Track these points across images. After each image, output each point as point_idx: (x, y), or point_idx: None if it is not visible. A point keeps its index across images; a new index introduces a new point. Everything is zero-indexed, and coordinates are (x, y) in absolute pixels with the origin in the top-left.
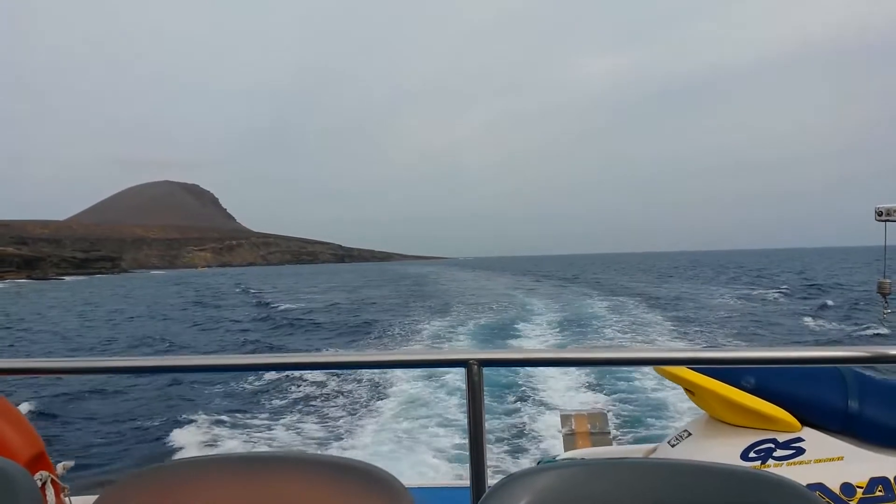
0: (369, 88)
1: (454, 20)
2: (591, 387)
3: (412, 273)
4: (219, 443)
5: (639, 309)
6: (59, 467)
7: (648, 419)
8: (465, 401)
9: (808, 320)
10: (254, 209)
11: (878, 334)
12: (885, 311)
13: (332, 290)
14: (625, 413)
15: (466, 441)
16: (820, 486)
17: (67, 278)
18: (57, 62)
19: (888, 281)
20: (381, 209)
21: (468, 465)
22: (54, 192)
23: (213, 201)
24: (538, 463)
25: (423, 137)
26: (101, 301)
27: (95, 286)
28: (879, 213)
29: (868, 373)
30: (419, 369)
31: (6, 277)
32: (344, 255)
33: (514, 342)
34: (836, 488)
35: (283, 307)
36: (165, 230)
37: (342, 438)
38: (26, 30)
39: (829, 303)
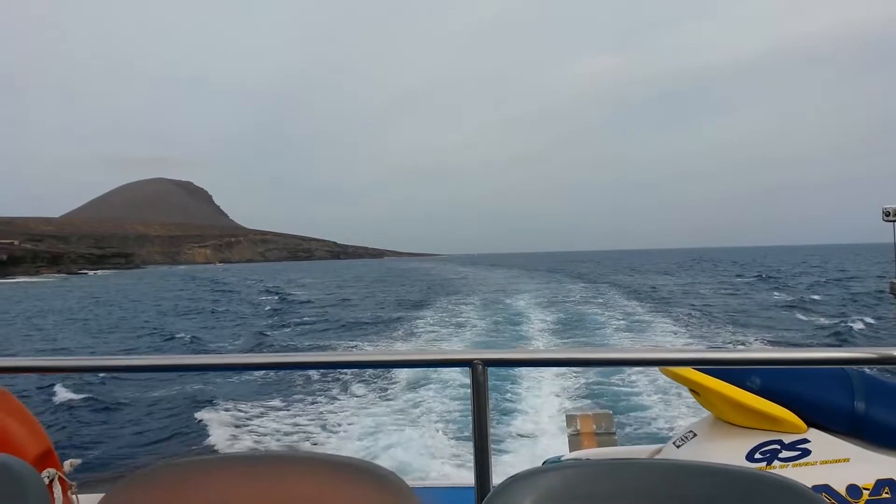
0: (365, 88)
1: (452, 21)
2: (596, 387)
3: (427, 268)
4: (226, 441)
5: None
6: (67, 465)
7: (654, 420)
8: (469, 401)
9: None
10: (246, 206)
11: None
12: None
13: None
14: (630, 413)
15: (471, 441)
16: (826, 488)
17: (93, 272)
18: (49, 60)
19: None
20: (374, 207)
21: (473, 464)
22: (48, 189)
23: (207, 199)
24: (543, 463)
25: (418, 136)
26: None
27: (130, 279)
28: (887, 214)
29: (874, 374)
30: (424, 368)
31: (41, 272)
32: (339, 251)
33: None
34: (842, 490)
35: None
36: (167, 227)
37: (347, 438)
38: (22, 29)
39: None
